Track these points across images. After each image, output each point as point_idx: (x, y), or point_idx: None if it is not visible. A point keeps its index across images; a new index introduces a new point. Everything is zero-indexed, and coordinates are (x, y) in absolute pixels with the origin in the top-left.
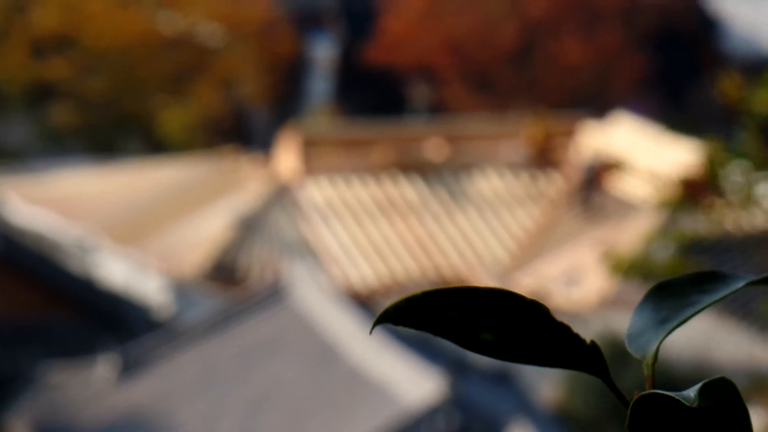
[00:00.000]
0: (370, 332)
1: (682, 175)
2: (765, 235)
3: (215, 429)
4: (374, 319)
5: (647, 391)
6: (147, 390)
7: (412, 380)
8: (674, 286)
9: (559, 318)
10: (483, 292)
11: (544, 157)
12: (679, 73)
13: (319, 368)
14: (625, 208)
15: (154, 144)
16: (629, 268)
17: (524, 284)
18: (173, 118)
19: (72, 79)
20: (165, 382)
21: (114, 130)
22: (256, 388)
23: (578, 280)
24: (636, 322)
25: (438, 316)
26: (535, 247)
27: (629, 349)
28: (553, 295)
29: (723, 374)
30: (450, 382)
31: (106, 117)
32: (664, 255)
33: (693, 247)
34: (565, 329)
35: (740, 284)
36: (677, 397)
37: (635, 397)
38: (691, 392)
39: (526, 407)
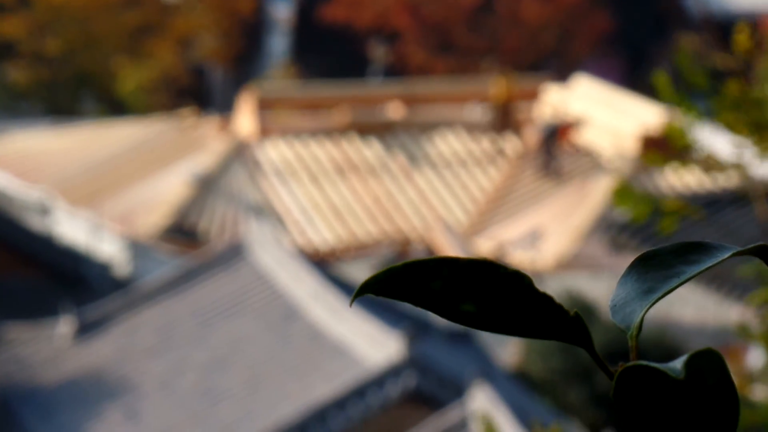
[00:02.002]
0: (351, 304)
1: (643, 134)
2: (726, 194)
3: (175, 388)
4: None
5: (632, 363)
6: (106, 349)
7: (373, 341)
8: (658, 256)
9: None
10: (465, 264)
11: (505, 119)
12: (643, 32)
13: (279, 328)
14: (586, 168)
15: (111, 104)
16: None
17: (484, 246)
18: (131, 77)
19: (28, 38)
20: (124, 342)
21: (71, 89)
22: (215, 348)
23: (538, 241)
24: (620, 292)
25: (419, 287)
26: (495, 208)
27: (613, 320)
28: (513, 256)
29: (686, 336)
30: (410, 342)
31: (62, 76)
32: (628, 214)
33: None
34: (548, 300)
35: (726, 255)
36: (663, 369)
37: (620, 369)
38: (677, 363)
39: (486, 367)
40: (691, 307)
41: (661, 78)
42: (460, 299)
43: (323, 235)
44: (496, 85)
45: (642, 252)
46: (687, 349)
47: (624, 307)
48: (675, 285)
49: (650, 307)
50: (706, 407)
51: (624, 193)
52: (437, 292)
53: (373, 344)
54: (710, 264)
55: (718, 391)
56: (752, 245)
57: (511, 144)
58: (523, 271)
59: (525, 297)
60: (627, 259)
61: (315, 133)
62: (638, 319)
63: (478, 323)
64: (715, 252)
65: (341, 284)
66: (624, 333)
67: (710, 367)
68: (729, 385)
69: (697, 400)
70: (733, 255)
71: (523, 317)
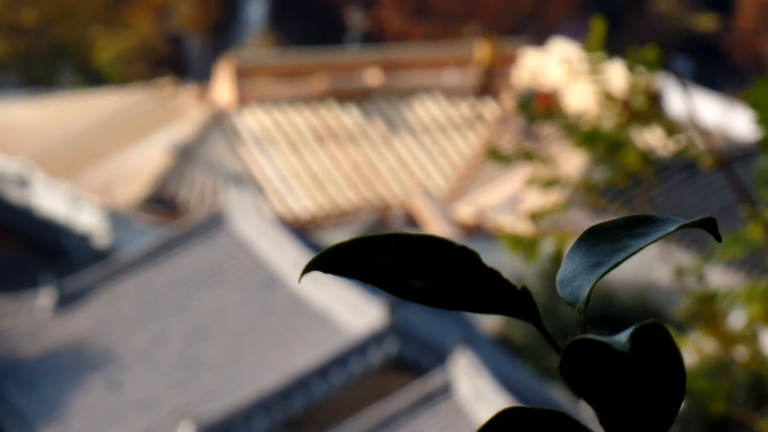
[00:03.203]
0: (299, 280)
1: (620, 97)
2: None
3: (157, 358)
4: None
5: (578, 336)
6: (87, 320)
7: (355, 309)
8: (606, 230)
9: (489, 264)
10: (413, 239)
11: (484, 84)
12: None
13: (260, 297)
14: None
15: (89, 74)
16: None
17: (465, 211)
18: (108, 47)
19: (4, 9)
20: (106, 312)
21: (48, 60)
22: (197, 317)
23: (518, 205)
24: (567, 266)
25: (367, 263)
26: (475, 174)
27: (561, 295)
28: (494, 221)
29: (667, 298)
30: (392, 310)
31: (39, 47)
32: (605, 175)
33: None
34: (495, 275)
35: (672, 228)
36: (608, 343)
37: (566, 343)
38: (623, 337)
39: (467, 333)
40: (670, 268)
41: (597, 26)
42: (408, 275)
43: (303, 203)
44: (475, 50)
45: (590, 226)
46: (668, 311)
47: (572, 281)
48: (622, 258)
49: (597, 281)
50: (652, 379)
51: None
52: (385, 267)
53: (355, 312)
54: (657, 237)
55: (664, 364)
56: (697, 218)
57: (490, 109)
58: (469, 247)
59: (473, 272)
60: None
61: (293, 100)
62: (585, 294)
63: (426, 299)
64: (662, 225)
65: None
66: (571, 306)
67: (656, 339)
68: (675, 357)
69: (643, 372)
70: (679, 228)
71: (471, 293)
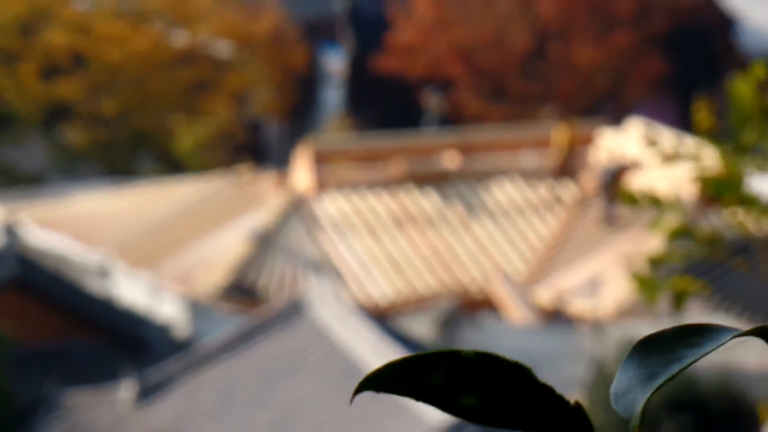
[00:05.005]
0: (351, 401)
1: (700, 177)
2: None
3: None
4: (358, 381)
5: None
6: (169, 412)
7: None
8: (659, 341)
9: (543, 381)
10: (465, 356)
11: (562, 165)
12: (696, 73)
13: (341, 386)
14: (645, 213)
15: (168, 162)
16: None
17: (544, 294)
18: (187, 134)
19: (85, 99)
20: (187, 404)
21: (128, 149)
22: (278, 407)
23: (598, 289)
24: (621, 379)
25: (419, 381)
26: (554, 256)
27: (616, 408)
28: (574, 305)
29: (750, 382)
30: None
31: (119, 136)
32: (686, 258)
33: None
34: (548, 391)
35: (726, 338)
36: None
37: None
38: None
39: None
40: (754, 351)
41: (703, 112)
42: (461, 392)
43: (382, 289)
44: (552, 131)
45: (644, 336)
46: (751, 396)
47: (626, 394)
48: (677, 370)
49: (653, 394)
50: None
51: (681, 234)
52: (437, 386)
53: None
54: (711, 348)
55: None
56: (753, 327)
57: (568, 190)
58: (522, 363)
59: (527, 388)
60: (690, 306)
61: (372, 184)
62: (640, 408)
63: (479, 417)
64: (716, 334)
65: (402, 339)
66: (627, 421)
67: None
68: None
69: None
70: (734, 337)
71: (525, 409)
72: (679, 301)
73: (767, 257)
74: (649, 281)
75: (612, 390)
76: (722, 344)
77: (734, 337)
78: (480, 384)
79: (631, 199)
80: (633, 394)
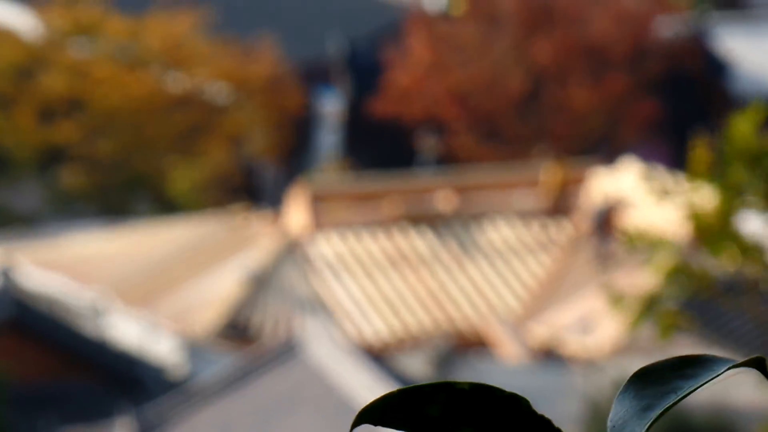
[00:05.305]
0: None
1: (693, 219)
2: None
3: None
4: (354, 414)
5: None
6: None
7: None
8: (655, 372)
9: (539, 412)
10: (461, 388)
11: (556, 205)
12: (689, 117)
13: (336, 424)
14: (638, 252)
15: (164, 204)
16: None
17: (538, 331)
18: (183, 177)
19: (81, 142)
20: None
21: (124, 191)
22: None
23: (592, 327)
24: (618, 410)
25: (416, 413)
26: (548, 295)
27: None
28: (568, 343)
29: (743, 419)
30: None
31: (115, 178)
32: (678, 296)
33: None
34: (545, 422)
35: (722, 369)
36: None
37: None
38: None
39: None
40: (746, 387)
41: (700, 155)
42: (458, 424)
43: (377, 329)
44: (546, 172)
45: (640, 368)
46: None
47: (623, 426)
48: (673, 401)
49: (650, 426)
50: None
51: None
52: (434, 418)
53: None
54: (707, 379)
55: None
56: (748, 358)
57: (562, 229)
58: (519, 395)
59: (523, 420)
60: (682, 342)
61: (367, 225)
62: None
63: None
64: (712, 366)
65: (397, 378)
66: None
67: None
68: None
69: None
70: (729, 368)
71: None
72: (665, 331)
73: (755, 296)
74: (641, 315)
75: (609, 422)
76: (718, 375)
77: (729, 368)
78: (477, 416)
79: (630, 239)
80: (630, 426)
